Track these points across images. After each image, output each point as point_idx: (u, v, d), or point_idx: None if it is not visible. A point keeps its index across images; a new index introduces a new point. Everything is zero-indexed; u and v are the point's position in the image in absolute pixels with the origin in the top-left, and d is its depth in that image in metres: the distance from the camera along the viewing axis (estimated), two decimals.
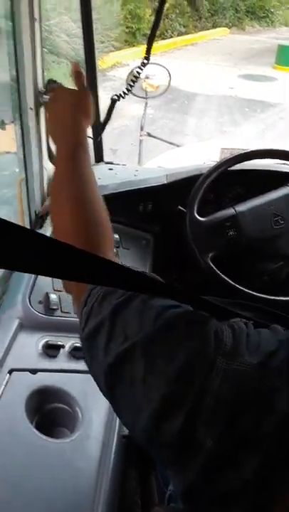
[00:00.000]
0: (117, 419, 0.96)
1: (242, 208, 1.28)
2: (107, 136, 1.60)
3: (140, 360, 0.45)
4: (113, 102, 1.42)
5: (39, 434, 0.88)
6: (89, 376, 1.01)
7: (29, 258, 0.35)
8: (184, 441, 0.42)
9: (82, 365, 1.03)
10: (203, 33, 11.06)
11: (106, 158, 1.66)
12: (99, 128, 1.52)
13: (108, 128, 1.52)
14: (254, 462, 0.38)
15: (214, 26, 11.72)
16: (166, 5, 9.51)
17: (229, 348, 0.43)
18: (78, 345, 1.05)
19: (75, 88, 0.86)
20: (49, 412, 0.95)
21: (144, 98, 2.20)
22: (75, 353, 1.05)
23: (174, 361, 0.43)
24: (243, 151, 1.30)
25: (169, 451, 0.43)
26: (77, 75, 0.87)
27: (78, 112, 0.79)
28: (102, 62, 7.25)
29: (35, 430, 0.88)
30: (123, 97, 1.42)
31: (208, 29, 11.37)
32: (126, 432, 0.96)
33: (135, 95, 1.92)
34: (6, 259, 0.34)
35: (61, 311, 1.11)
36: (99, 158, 1.62)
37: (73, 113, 0.79)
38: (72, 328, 1.10)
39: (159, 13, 1.29)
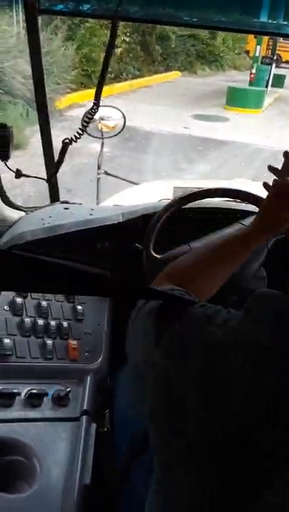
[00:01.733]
0: (78, 467, 0.92)
1: (196, 244, 1.30)
2: (66, 174, 1.60)
3: None
4: (65, 145, 1.44)
5: None
6: (47, 424, 0.96)
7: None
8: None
9: (39, 413, 0.99)
10: (156, 76, 11.52)
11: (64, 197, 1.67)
12: (52, 169, 1.53)
13: (67, 166, 1.53)
14: None
15: (167, 70, 12.25)
16: (120, 49, 9.88)
17: None
18: (35, 391, 1.01)
19: None
20: (5, 466, 0.90)
21: (100, 138, 2.24)
22: (31, 401, 1.00)
23: None
24: (195, 190, 1.33)
25: None
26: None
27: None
28: (59, 103, 7.41)
29: None
30: (75, 141, 1.44)
31: (161, 72, 11.86)
32: (88, 480, 0.92)
33: (91, 135, 1.95)
34: None
35: (16, 357, 1.07)
36: (54, 198, 1.62)
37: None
38: (29, 374, 1.06)
39: (106, 59, 1.34)
